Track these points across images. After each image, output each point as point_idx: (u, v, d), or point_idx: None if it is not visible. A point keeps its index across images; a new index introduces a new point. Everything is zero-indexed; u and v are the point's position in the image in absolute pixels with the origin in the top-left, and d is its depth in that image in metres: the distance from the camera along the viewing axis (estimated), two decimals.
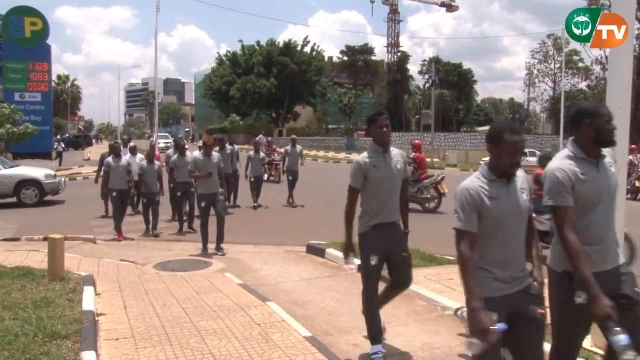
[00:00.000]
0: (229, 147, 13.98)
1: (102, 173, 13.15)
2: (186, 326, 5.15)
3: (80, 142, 57.34)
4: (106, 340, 4.78)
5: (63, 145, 35.95)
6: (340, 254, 8.33)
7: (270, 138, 29.87)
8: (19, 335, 4.47)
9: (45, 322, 4.82)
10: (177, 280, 7.11)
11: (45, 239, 8.48)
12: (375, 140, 4.50)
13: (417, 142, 15.41)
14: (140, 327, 5.15)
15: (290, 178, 14.89)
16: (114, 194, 11.01)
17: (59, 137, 40.40)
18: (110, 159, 11.27)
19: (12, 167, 16.63)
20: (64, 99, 76.54)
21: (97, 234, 11.12)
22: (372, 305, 4.51)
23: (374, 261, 4.39)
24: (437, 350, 4.82)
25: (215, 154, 9.55)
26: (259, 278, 7.52)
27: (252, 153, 14.68)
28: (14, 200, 15.73)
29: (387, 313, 5.85)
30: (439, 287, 6.56)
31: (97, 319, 5.29)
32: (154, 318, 5.41)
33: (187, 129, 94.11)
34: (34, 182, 15.93)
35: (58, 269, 6.55)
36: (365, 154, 4.49)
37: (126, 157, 11.55)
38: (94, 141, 69.98)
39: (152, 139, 35.05)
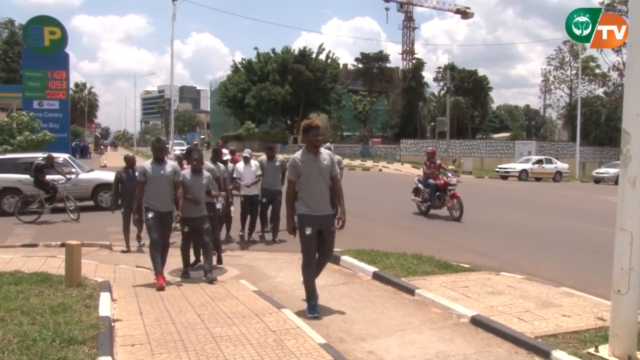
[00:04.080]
0: (279, 157, 11.52)
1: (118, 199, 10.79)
2: (201, 332, 5.17)
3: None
4: (122, 346, 4.82)
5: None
6: (356, 261, 8.32)
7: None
8: (37, 340, 4.53)
9: (63, 327, 4.88)
10: (192, 286, 7.15)
11: (62, 245, 8.60)
12: None
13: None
14: (156, 332, 5.18)
15: None
16: (150, 214, 7.34)
17: (74, 144, 40.86)
18: (147, 165, 7.51)
19: (89, 171, 17.38)
20: (81, 107, 77.36)
21: (113, 240, 11.18)
22: None
23: None
24: (452, 357, 4.80)
25: (325, 151, 6.29)
26: (273, 285, 7.55)
27: None
28: (91, 203, 16.25)
29: (402, 320, 5.86)
30: (454, 294, 6.54)
31: (113, 324, 5.33)
32: (169, 324, 5.45)
33: (202, 136, 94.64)
34: (109, 186, 16.25)
35: (75, 275, 6.62)
36: None
37: (171, 164, 7.74)
38: (90, 147, 61.88)
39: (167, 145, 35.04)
